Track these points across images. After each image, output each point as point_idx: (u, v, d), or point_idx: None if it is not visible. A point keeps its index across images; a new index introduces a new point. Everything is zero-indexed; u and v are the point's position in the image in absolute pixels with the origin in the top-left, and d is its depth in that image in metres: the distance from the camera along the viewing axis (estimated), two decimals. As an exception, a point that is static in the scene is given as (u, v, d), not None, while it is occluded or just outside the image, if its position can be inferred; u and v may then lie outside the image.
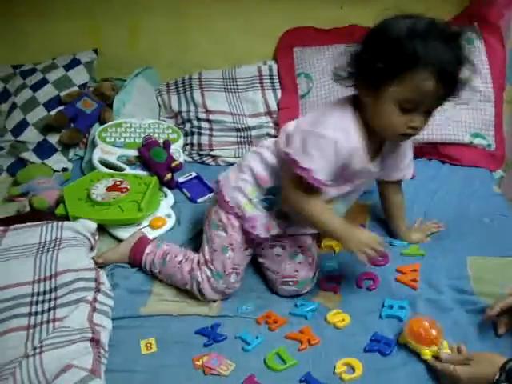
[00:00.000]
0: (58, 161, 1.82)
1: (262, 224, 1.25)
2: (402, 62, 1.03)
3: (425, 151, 1.65)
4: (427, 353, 1.07)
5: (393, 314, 1.17)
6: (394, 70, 1.04)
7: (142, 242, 1.39)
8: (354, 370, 1.07)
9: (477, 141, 1.65)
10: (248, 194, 1.26)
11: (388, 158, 1.23)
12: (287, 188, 1.19)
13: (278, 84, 1.82)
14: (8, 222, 1.47)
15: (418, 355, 1.08)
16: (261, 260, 1.33)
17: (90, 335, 1.11)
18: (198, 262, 1.30)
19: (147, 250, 1.36)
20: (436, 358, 1.06)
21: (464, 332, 1.13)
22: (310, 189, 1.14)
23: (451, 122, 1.63)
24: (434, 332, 1.08)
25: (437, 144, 1.64)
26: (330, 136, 1.10)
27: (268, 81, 1.83)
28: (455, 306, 1.19)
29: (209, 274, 1.26)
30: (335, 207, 1.24)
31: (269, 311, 1.23)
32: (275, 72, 1.85)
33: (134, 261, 1.37)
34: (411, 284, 1.24)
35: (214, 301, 1.28)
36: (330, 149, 1.10)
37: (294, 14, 1.89)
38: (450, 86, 1.06)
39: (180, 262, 1.31)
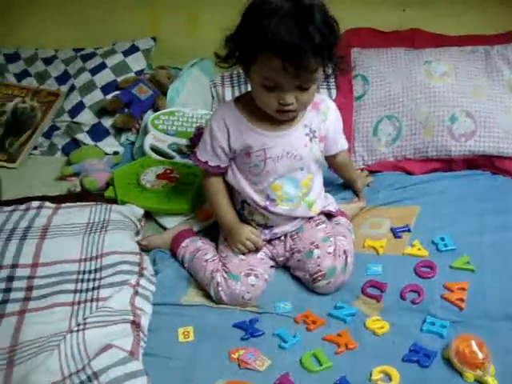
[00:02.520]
0: (110, 144, 1.86)
1: None
2: (253, 43, 1.09)
3: (478, 163, 1.61)
4: (470, 376, 1.03)
5: (434, 331, 1.14)
6: (250, 51, 1.11)
7: (184, 234, 1.40)
8: (390, 379, 1.05)
9: (535, 156, 1.59)
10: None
11: None
12: (202, 178, 1.35)
13: (334, 84, 1.81)
14: (60, 200, 1.52)
15: (460, 374, 1.05)
16: (288, 266, 1.34)
17: (131, 318, 1.13)
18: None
19: (183, 244, 1.37)
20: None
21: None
22: (206, 174, 1.31)
23: (510, 135, 1.58)
24: (480, 355, 1.03)
25: (492, 156, 1.59)
26: (210, 123, 1.25)
27: (323, 80, 1.81)
28: (503, 331, 1.12)
29: (225, 275, 1.25)
30: (285, 191, 1.27)
31: (307, 311, 1.22)
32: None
33: (172, 251, 1.39)
34: (457, 303, 1.19)
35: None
36: (207, 133, 1.25)
37: (354, 15, 1.86)
38: (300, 63, 1.07)
39: (207, 260, 1.31)
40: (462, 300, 1.20)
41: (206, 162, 1.27)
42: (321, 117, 1.28)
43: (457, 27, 1.83)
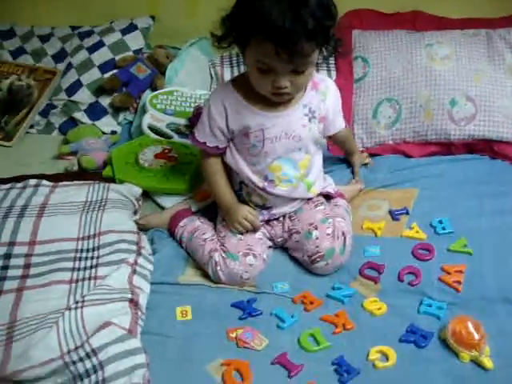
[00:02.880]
0: (107, 123, 1.84)
1: None
2: (246, 26, 1.08)
3: (477, 147, 1.60)
4: (466, 357, 1.04)
5: (431, 312, 1.14)
6: (244, 34, 1.10)
7: (182, 213, 1.40)
8: (387, 359, 1.06)
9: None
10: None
11: None
12: (201, 159, 1.34)
13: (334, 65, 1.79)
14: (57, 178, 1.51)
15: (456, 354, 1.06)
16: (286, 247, 1.34)
17: (129, 296, 1.13)
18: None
19: (181, 223, 1.37)
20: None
21: (510, 340, 1.08)
22: (204, 154, 1.30)
23: (510, 119, 1.57)
24: (476, 336, 1.04)
25: (491, 141, 1.58)
26: (208, 104, 1.24)
27: (322, 62, 1.79)
28: (500, 313, 1.13)
29: (224, 255, 1.25)
30: (283, 172, 1.26)
31: (305, 291, 1.22)
32: (331, 53, 1.82)
33: (170, 230, 1.39)
34: (454, 286, 1.20)
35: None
36: (205, 115, 1.24)
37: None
38: (293, 48, 1.05)
39: (205, 239, 1.31)
40: (459, 282, 1.21)
41: (204, 143, 1.27)
42: (320, 97, 1.27)
43: (459, 10, 1.81)
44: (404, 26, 1.74)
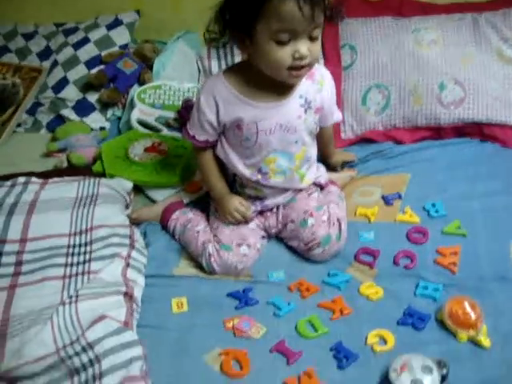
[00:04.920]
0: (96, 119, 1.82)
1: None
2: (254, 2, 1.03)
3: (467, 131, 1.61)
4: (463, 337, 1.04)
5: (427, 294, 1.15)
6: (254, 7, 1.04)
7: (174, 206, 1.39)
8: (385, 342, 1.06)
9: (524, 123, 1.60)
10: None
11: None
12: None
13: (322, 54, 1.78)
14: (46, 176, 1.49)
15: (454, 335, 1.06)
16: (281, 237, 1.33)
17: (123, 289, 1.12)
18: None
19: (174, 216, 1.36)
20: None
21: (506, 319, 1.08)
22: (196, 148, 1.28)
23: (499, 102, 1.58)
24: (473, 315, 1.05)
25: (481, 124, 1.59)
26: (198, 97, 1.22)
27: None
28: (495, 292, 1.13)
29: (217, 246, 1.25)
30: (278, 164, 1.24)
31: (301, 279, 1.22)
32: (318, 42, 1.81)
33: (162, 223, 1.38)
34: (450, 267, 1.20)
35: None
36: (195, 108, 1.23)
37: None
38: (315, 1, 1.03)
39: (198, 231, 1.30)
40: (454, 264, 1.21)
41: (194, 137, 1.25)
42: (316, 86, 1.23)
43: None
44: (390, 13, 1.73)
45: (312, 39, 1.08)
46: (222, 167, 1.31)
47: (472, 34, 1.65)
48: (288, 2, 1.02)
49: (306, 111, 1.22)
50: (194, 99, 1.72)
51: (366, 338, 1.07)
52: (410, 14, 1.72)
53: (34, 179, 1.44)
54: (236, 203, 1.27)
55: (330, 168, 1.48)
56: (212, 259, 1.24)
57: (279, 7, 1.03)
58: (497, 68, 1.61)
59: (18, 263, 1.19)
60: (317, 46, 1.11)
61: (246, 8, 1.06)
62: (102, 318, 1.01)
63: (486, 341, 1.04)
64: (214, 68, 1.86)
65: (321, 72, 1.26)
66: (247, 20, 1.07)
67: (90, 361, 0.96)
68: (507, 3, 1.70)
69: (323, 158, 1.47)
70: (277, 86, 1.18)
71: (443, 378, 0.96)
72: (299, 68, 1.11)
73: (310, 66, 1.13)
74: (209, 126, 1.22)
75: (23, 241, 1.23)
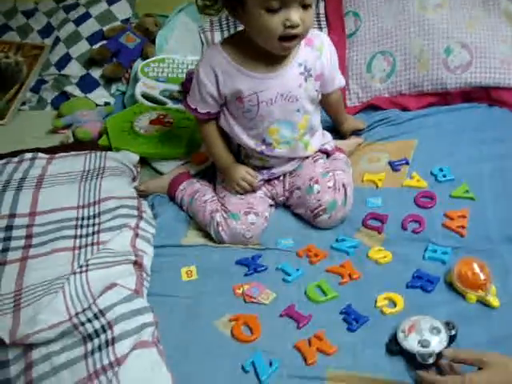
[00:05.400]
0: (100, 95, 1.82)
1: None
2: None
3: (474, 96, 1.59)
4: (472, 297, 1.05)
5: (436, 257, 1.15)
6: None
7: (181, 177, 1.39)
8: (395, 305, 1.07)
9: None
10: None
11: None
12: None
13: (325, 23, 1.77)
14: (53, 151, 1.49)
15: (463, 296, 1.06)
16: (288, 205, 1.33)
17: (133, 258, 1.13)
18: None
19: (181, 187, 1.36)
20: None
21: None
22: (198, 120, 1.28)
23: (506, 64, 1.55)
24: (482, 276, 1.05)
25: (488, 88, 1.57)
26: (197, 69, 1.20)
27: (314, 19, 1.77)
28: (504, 253, 1.13)
29: (225, 215, 1.25)
30: (281, 134, 1.24)
31: (309, 245, 1.22)
32: (322, 10, 1.79)
33: (170, 195, 1.38)
34: (459, 230, 1.19)
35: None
36: (195, 80, 1.21)
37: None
38: None
39: (206, 201, 1.30)
40: (462, 227, 1.20)
41: (195, 109, 1.24)
42: (316, 53, 1.22)
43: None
44: (394, -22, 1.71)
45: (305, 7, 1.07)
46: (227, 138, 1.31)
47: (479, -5, 1.61)
48: None
49: (306, 79, 1.21)
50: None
51: (376, 301, 1.07)
52: (415, -23, 1.69)
53: (40, 155, 1.45)
54: (242, 172, 1.27)
55: (339, 135, 1.47)
56: (220, 228, 1.24)
57: None
58: (505, 30, 1.57)
59: (29, 236, 1.19)
60: (309, 15, 1.09)
61: None
62: (112, 285, 1.03)
63: (495, 301, 1.04)
64: (217, 40, 1.84)
65: (320, 38, 1.24)
66: None
67: (103, 327, 0.97)
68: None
69: (335, 126, 1.47)
70: (275, 56, 1.16)
71: (451, 339, 0.96)
72: (290, 38, 1.09)
73: (302, 35, 1.11)
74: (210, 97, 1.21)
75: (32, 214, 1.24)
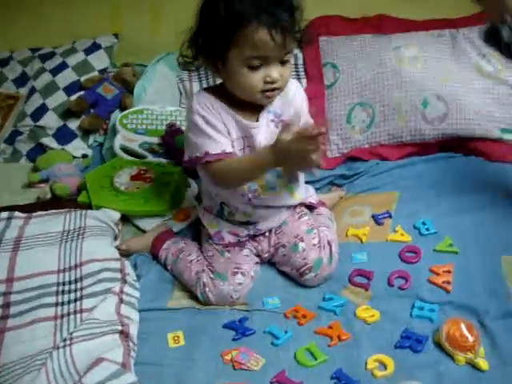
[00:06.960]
0: (77, 147, 1.80)
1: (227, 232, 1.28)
2: (228, 25, 1.06)
3: (450, 145, 1.62)
4: (461, 359, 1.04)
5: (423, 315, 1.14)
6: (225, 35, 1.07)
7: (164, 235, 1.37)
8: (385, 367, 1.05)
9: (506, 136, 1.61)
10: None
11: None
12: (209, 177, 1.22)
13: (304, 73, 1.79)
14: (30, 209, 1.45)
15: (452, 357, 1.05)
16: (273, 262, 1.32)
17: (119, 328, 1.09)
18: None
19: (165, 246, 1.34)
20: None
21: (503, 339, 1.08)
22: (209, 164, 1.17)
23: (480, 116, 1.60)
24: (471, 338, 1.04)
25: (465, 138, 1.60)
26: (195, 116, 1.17)
27: (293, 70, 1.79)
28: (491, 310, 1.13)
29: (211, 275, 1.23)
30: (266, 179, 1.23)
31: (297, 305, 1.21)
32: (300, 61, 1.82)
33: (153, 254, 1.36)
34: (444, 286, 1.20)
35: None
36: (201, 126, 1.16)
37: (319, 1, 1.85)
38: (284, 27, 1.06)
39: (191, 261, 1.28)
40: (448, 282, 1.21)
41: (223, 151, 1.15)
42: (285, 99, 1.23)
43: (422, 11, 1.82)
44: (370, 30, 1.76)
45: (283, 63, 1.12)
46: (208, 199, 1.30)
47: (451, 50, 1.67)
48: (261, 31, 1.06)
49: (276, 126, 1.22)
50: (178, 123, 1.70)
51: (366, 364, 1.06)
52: (391, 31, 1.74)
53: (17, 214, 1.40)
54: (290, 140, 1.06)
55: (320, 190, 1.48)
56: (207, 289, 1.22)
57: (252, 35, 1.06)
58: (476, 83, 1.63)
59: (6, 305, 1.14)
60: (287, 70, 1.15)
61: (219, 35, 1.09)
62: (99, 360, 0.98)
63: (484, 363, 1.03)
64: (196, 90, 1.85)
65: (290, 85, 1.25)
66: (220, 46, 1.10)
67: (90, 408, 0.93)
68: (482, 20, 1.73)
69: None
70: (253, 105, 1.19)
71: None
72: (272, 90, 1.14)
73: (281, 88, 1.16)
74: (219, 132, 1.17)
75: (10, 280, 1.19)
